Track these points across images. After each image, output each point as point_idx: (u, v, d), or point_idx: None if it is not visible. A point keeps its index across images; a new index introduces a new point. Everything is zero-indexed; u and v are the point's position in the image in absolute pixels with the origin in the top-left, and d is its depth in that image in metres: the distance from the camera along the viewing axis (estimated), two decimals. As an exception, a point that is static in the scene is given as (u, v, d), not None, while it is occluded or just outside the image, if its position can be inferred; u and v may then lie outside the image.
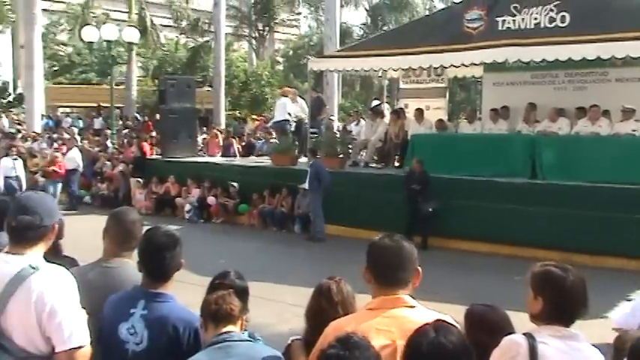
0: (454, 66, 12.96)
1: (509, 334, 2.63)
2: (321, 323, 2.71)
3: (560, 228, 10.30)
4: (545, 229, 10.41)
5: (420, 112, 13.92)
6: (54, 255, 3.69)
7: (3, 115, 29.92)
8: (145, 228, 3.17)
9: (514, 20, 11.74)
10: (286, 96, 16.42)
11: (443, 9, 22.81)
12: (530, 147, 11.45)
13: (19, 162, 15.51)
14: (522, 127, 12.54)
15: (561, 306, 2.51)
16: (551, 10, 11.35)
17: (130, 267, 3.17)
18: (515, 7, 11.72)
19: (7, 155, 15.59)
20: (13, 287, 2.59)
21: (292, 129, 15.89)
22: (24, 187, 15.23)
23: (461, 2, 13.26)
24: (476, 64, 12.61)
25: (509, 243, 10.76)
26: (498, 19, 11.88)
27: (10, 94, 36.76)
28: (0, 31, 34.33)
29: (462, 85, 29.32)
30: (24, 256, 2.68)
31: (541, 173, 11.21)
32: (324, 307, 3.00)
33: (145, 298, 2.89)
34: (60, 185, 16.03)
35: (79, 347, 2.61)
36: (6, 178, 15.08)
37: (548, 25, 11.39)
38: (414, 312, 2.46)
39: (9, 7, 25.54)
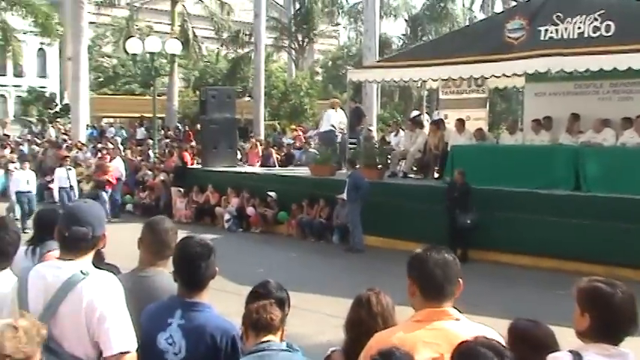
0: (495, 76, 12.85)
1: (554, 351, 2.57)
2: (361, 335, 2.70)
3: (605, 241, 10.02)
4: (589, 242, 10.15)
5: (461, 123, 13.77)
6: (97, 262, 3.77)
7: (50, 125, 30.79)
8: (181, 237, 3.19)
9: (557, 30, 11.57)
10: (334, 108, 16.42)
11: (483, 19, 22.65)
12: (573, 158, 11.22)
13: (73, 172, 15.97)
14: (565, 138, 12.31)
15: (609, 323, 2.45)
16: (596, 20, 11.16)
17: (164, 276, 3.19)
18: (558, 17, 11.55)
19: (61, 166, 16.00)
20: (63, 292, 2.66)
21: (339, 140, 15.86)
22: (76, 196, 15.55)
23: (502, 12, 13.16)
24: (517, 75, 12.47)
25: (552, 256, 10.52)
26: (541, 28, 11.72)
27: (56, 105, 37.83)
28: (48, 44, 35.33)
29: (503, 95, 28.95)
30: (75, 263, 2.74)
31: (585, 185, 10.97)
32: (363, 319, 2.97)
33: (181, 307, 2.91)
34: (110, 194, 16.55)
35: (126, 352, 2.65)
36: (60, 188, 15.45)
37: (593, 35, 11.19)
38: (459, 325, 2.43)
39: (57, 20, 26.24)
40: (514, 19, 12.09)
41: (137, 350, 2.72)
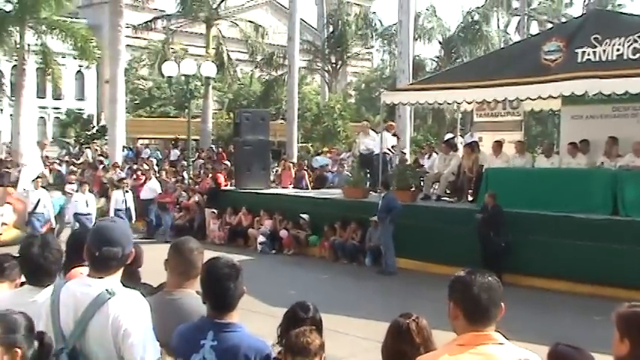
0: (530, 99, 12.72)
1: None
2: None
3: (644, 267, 9.77)
4: (627, 267, 9.91)
5: (498, 145, 13.64)
6: (132, 282, 3.80)
7: (87, 146, 31.40)
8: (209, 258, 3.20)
9: (594, 52, 11.41)
10: (389, 131, 16.37)
11: (519, 41, 22.55)
12: (612, 182, 11.00)
13: (130, 195, 16.10)
14: (603, 162, 12.08)
15: None
16: (635, 41, 10.98)
17: (192, 297, 3.21)
18: (595, 39, 11.40)
19: (118, 188, 16.21)
20: (92, 310, 2.74)
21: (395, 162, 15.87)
22: (134, 218, 15.86)
23: (538, 34, 13.06)
24: (554, 97, 12.29)
25: (589, 281, 10.28)
26: (578, 50, 11.58)
27: (93, 127, 38.61)
28: (86, 67, 36.17)
29: (538, 118, 28.63)
30: (104, 281, 2.81)
31: (623, 209, 10.72)
32: (405, 351, 2.90)
33: (213, 328, 2.90)
34: (173, 216, 16.90)
35: None
36: (116, 210, 15.49)
37: (632, 57, 11.00)
38: (503, 349, 2.39)
39: (95, 44, 26.89)
40: (551, 41, 11.96)
41: None
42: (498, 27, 42.69)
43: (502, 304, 2.48)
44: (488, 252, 10.95)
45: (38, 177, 15.35)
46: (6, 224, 14.80)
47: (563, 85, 11.27)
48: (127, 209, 15.74)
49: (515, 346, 2.45)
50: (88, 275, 2.90)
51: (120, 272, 2.90)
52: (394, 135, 16.80)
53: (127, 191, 16.01)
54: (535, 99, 12.62)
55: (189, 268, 3.27)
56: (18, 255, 3.53)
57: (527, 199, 11.44)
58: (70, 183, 17.76)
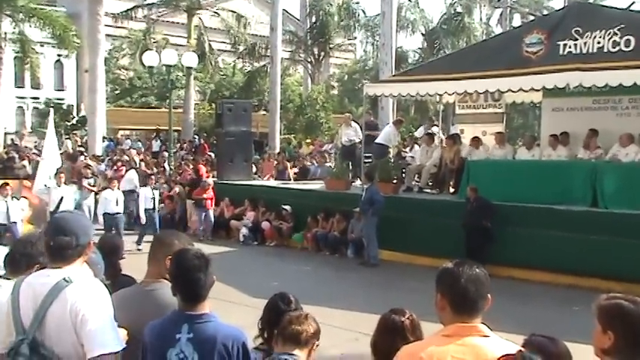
0: (512, 91, 12.77)
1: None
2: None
3: (622, 258, 9.88)
4: (606, 258, 10.02)
5: (476, 141, 13.73)
6: (113, 274, 3.77)
7: (67, 137, 31.04)
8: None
9: (576, 44, 11.49)
10: (395, 125, 16.37)
11: (501, 33, 22.59)
12: (591, 174, 11.10)
13: (157, 192, 14.90)
14: (583, 154, 12.20)
15: (637, 342, 2.39)
16: (615, 34, 11.06)
17: (169, 288, 3.16)
18: (577, 31, 11.47)
19: (145, 185, 14.76)
20: (50, 299, 2.74)
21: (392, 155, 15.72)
22: (159, 218, 14.68)
23: (520, 26, 13.10)
24: (535, 89, 12.37)
25: (568, 272, 10.38)
26: (559, 43, 11.64)
27: (73, 117, 38.15)
28: (65, 56, 35.73)
29: (520, 110, 28.83)
30: (61, 270, 2.82)
31: (602, 201, 10.85)
32: (398, 348, 2.79)
33: (187, 321, 2.88)
34: (210, 213, 15.56)
35: (107, 354, 2.69)
36: (146, 210, 14.11)
37: (612, 50, 11.09)
38: (488, 341, 2.40)
39: (74, 33, 26.54)
40: (532, 34, 12.02)
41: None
42: (481, 19, 42.86)
43: (489, 295, 2.49)
44: (472, 244, 11.00)
45: (60, 172, 13.63)
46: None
47: (544, 77, 11.33)
48: (154, 208, 14.35)
49: (501, 339, 2.45)
50: (47, 267, 2.90)
51: (78, 262, 2.89)
52: (356, 124, 16.83)
53: (154, 188, 14.77)
54: (517, 91, 12.69)
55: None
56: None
57: (508, 190, 11.51)
58: (86, 177, 16.17)
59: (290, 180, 17.93)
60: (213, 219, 15.56)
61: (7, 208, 12.17)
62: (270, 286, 9.23)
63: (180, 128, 30.43)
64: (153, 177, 15.40)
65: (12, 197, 12.55)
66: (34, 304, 2.75)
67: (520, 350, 2.21)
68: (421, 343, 2.57)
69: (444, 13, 38.66)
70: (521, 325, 5.51)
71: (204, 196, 15.50)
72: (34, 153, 25.42)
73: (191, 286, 2.89)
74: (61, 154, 24.83)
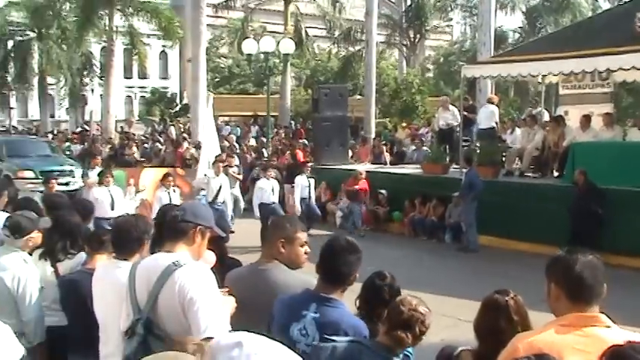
0: (623, 69, 12.07)
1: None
2: (499, 344, 2.58)
3: None
4: None
5: (586, 119, 13.08)
6: (220, 257, 3.93)
7: (171, 124, 32.40)
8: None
9: (694, 18, 10.71)
10: (493, 103, 15.83)
11: (610, 8, 21.37)
12: None
13: (312, 181, 13.67)
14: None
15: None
16: None
17: (280, 269, 3.31)
18: (695, 4, 10.69)
19: (301, 173, 13.52)
20: (161, 281, 2.87)
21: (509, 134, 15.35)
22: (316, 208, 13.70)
23: (631, 1, 12.33)
24: (648, 67, 11.64)
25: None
26: (676, 16, 10.90)
27: (177, 105, 39.74)
28: (170, 47, 37.18)
29: (630, 89, 27.17)
30: (172, 254, 2.96)
31: None
32: (503, 328, 2.84)
33: (316, 301, 2.98)
34: (363, 207, 14.21)
35: (213, 337, 2.70)
36: (302, 199, 13.18)
37: None
38: (611, 332, 2.30)
39: (178, 24, 27.60)
40: (646, 8, 11.32)
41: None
42: (587, -6, 40.62)
43: (604, 284, 2.40)
44: (579, 229, 10.53)
45: (218, 160, 12.90)
46: None
47: (659, 54, 10.65)
48: (310, 197, 13.31)
49: (624, 330, 2.34)
50: (159, 250, 3.08)
51: (189, 247, 3.03)
52: (445, 108, 16.55)
53: (310, 177, 13.46)
54: (628, 69, 11.98)
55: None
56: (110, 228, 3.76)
57: (618, 174, 10.94)
58: (230, 166, 14.64)
59: (386, 164, 17.85)
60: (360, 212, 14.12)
61: (170, 200, 10.92)
62: (366, 270, 9.30)
63: (277, 114, 30.96)
64: (308, 164, 14.00)
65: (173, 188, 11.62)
66: (148, 287, 2.90)
67: (629, 341, 2.09)
68: (537, 332, 2.47)
69: (547, -10, 36.93)
70: (635, 317, 5.26)
71: (356, 187, 14.24)
72: (141, 140, 26.75)
73: (333, 268, 3.00)
74: (164, 140, 26.06)
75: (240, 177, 15.54)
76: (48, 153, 19.97)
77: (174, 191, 11.52)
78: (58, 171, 16.77)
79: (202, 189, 12.49)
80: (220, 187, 12.30)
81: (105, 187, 10.51)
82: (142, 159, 20.74)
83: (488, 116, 15.21)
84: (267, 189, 12.64)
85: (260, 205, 12.45)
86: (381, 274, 3.55)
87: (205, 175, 12.71)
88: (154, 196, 11.43)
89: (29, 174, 17.39)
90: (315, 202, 13.91)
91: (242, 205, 14.81)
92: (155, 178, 12.52)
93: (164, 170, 13.15)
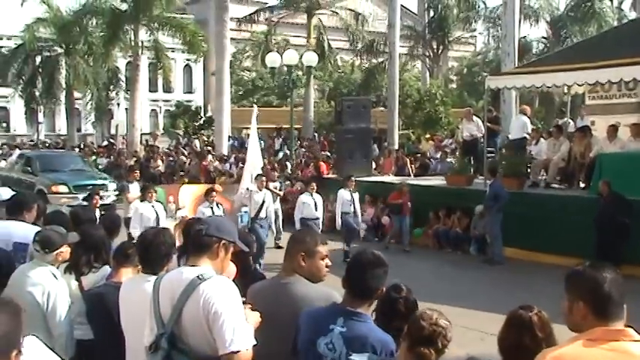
0: (650, 79, 11.91)
1: None
2: (522, 359, 2.55)
3: None
4: None
5: (614, 129, 12.90)
6: (242, 270, 3.95)
7: (195, 137, 32.70)
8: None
9: None
10: (525, 114, 15.72)
11: (636, 18, 21.12)
12: None
13: (357, 195, 12.98)
14: None
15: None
16: None
17: (302, 283, 3.31)
18: None
19: (344, 187, 12.90)
20: (186, 295, 2.87)
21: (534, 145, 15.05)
22: (360, 221, 13.33)
23: (658, 9, 12.18)
24: (677, 77, 11.46)
25: None
26: (703, 25, 10.74)
27: (201, 118, 40.11)
28: (194, 61, 37.61)
29: (658, 99, 26.78)
30: (197, 268, 2.96)
31: None
32: (526, 345, 2.81)
33: (343, 315, 2.97)
34: (407, 220, 13.46)
35: (238, 351, 2.77)
36: (343, 213, 12.60)
37: None
38: (639, 346, 2.26)
39: (202, 38, 27.93)
40: (672, 17, 11.17)
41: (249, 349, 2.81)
42: (612, 3, 40.21)
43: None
44: (604, 241, 10.38)
45: (260, 175, 12.54)
46: None
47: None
48: (355, 213, 12.82)
49: None
50: (185, 265, 3.09)
51: (212, 261, 3.02)
52: (469, 119, 16.44)
53: (353, 191, 12.85)
54: (655, 79, 11.82)
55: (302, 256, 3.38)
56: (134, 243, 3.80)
57: (646, 185, 10.76)
58: (272, 180, 14.37)
59: (410, 176, 17.78)
60: (408, 227, 13.50)
61: (213, 214, 10.55)
62: (390, 283, 9.27)
63: (300, 126, 31.08)
64: (352, 179, 13.06)
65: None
66: (172, 300, 2.90)
67: None
68: (564, 345, 2.43)
69: (572, 0, 36.64)
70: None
71: (400, 200, 13.52)
72: (165, 153, 27.05)
73: (359, 281, 3.00)
74: (189, 153, 26.30)
75: (281, 193, 15.24)
76: (80, 167, 20.07)
77: (217, 207, 11.20)
78: (91, 185, 16.95)
79: (244, 205, 12.27)
80: (263, 202, 11.88)
81: (148, 203, 10.31)
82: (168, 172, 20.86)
83: (520, 127, 15.08)
84: (310, 203, 12.17)
85: (301, 219, 12.03)
86: (397, 286, 3.54)
87: (248, 189, 12.31)
88: (196, 212, 11.01)
89: (63, 188, 17.50)
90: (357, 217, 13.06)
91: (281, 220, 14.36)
92: (194, 194, 12.35)
93: (202, 187, 13.01)
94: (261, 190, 11.99)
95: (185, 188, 13.20)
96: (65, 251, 4.24)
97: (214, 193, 11.29)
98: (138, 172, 13.83)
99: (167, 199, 11.97)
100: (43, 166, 19.09)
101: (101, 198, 16.00)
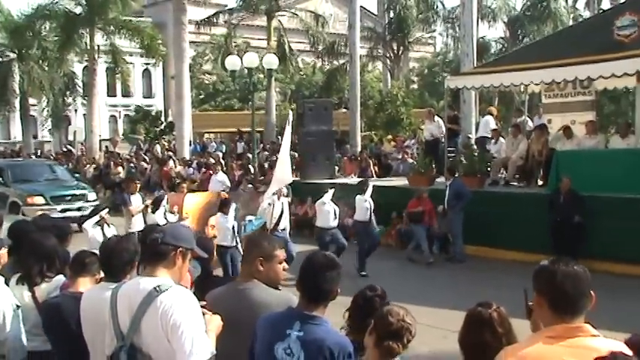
0: (603, 77, 12.19)
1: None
2: (483, 356, 2.57)
3: None
4: None
5: (568, 130, 13.19)
6: (205, 275, 3.90)
7: (156, 142, 32.29)
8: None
9: (672, 25, 10.85)
10: (491, 114, 16.23)
11: (590, 17, 21.64)
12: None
13: (371, 202, 11.98)
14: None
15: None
16: None
17: (260, 288, 3.29)
18: (673, 11, 10.84)
19: (362, 192, 11.96)
20: (144, 307, 2.82)
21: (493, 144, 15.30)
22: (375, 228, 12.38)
23: (610, 9, 12.49)
24: (629, 74, 11.74)
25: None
26: (654, 24, 11.03)
27: (162, 123, 39.66)
28: (153, 65, 37.18)
29: (612, 97, 27.48)
30: (154, 279, 2.90)
31: None
32: (487, 342, 2.82)
33: (300, 319, 2.95)
34: (426, 230, 12.46)
35: None
36: (357, 222, 12.13)
37: None
38: (598, 341, 2.29)
39: (160, 42, 27.60)
40: (624, 16, 11.44)
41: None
42: (567, 3, 41.11)
43: (592, 293, 2.38)
44: (562, 237, 10.60)
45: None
46: None
47: (638, 61, 10.76)
48: (370, 221, 11.90)
49: (609, 340, 2.34)
50: (142, 275, 3.02)
51: (170, 269, 2.97)
52: (430, 120, 16.88)
53: (366, 201, 11.86)
54: (608, 77, 12.11)
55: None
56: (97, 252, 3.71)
57: (600, 181, 11.03)
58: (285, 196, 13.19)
59: (372, 177, 17.86)
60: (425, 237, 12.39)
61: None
62: (356, 283, 9.27)
63: (262, 129, 30.95)
64: (367, 184, 12.14)
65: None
66: (130, 312, 2.85)
67: (612, 352, 2.08)
68: (524, 344, 2.44)
69: (528, 0, 37.36)
70: (619, 323, 5.27)
71: (420, 208, 12.55)
72: (126, 159, 26.63)
73: (314, 285, 2.97)
74: (150, 159, 25.94)
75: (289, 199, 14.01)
76: (55, 176, 18.58)
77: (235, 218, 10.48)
78: (70, 195, 16.30)
79: (250, 214, 11.68)
80: (282, 212, 11.18)
81: (159, 213, 10.07)
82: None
83: (483, 126, 15.59)
84: (330, 211, 11.54)
85: (321, 229, 11.53)
86: (372, 287, 3.58)
87: (270, 204, 11.24)
88: (219, 225, 10.15)
89: (39, 200, 16.17)
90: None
91: None
92: (197, 203, 11.85)
93: (206, 196, 12.61)
94: (279, 200, 11.28)
95: (189, 197, 12.80)
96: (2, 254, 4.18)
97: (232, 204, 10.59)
98: (138, 183, 12.56)
99: (170, 209, 11.35)
100: (15, 176, 17.54)
101: (79, 209, 15.59)
